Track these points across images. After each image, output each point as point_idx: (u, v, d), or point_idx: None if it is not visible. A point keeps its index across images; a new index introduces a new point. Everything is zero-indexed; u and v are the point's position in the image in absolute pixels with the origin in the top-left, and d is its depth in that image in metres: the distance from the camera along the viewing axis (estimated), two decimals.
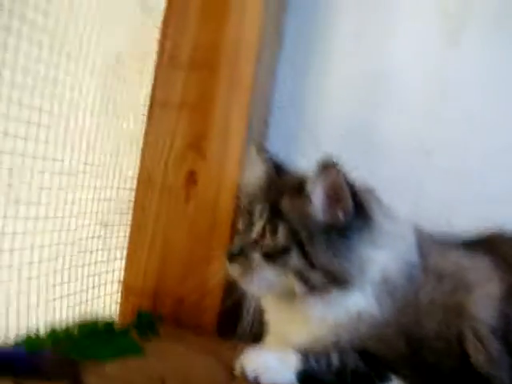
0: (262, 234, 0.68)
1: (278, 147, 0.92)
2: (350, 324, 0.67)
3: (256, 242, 0.68)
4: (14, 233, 0.75)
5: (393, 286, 0.68)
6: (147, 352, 0.72)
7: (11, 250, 0.74)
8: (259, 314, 0.75)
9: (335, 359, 0.67)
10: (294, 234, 0.66)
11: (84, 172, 0.87)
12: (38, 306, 0.80)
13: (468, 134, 0.94)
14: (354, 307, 0.67)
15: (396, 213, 0.73)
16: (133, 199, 0.90)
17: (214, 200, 0.86)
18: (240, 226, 0.72)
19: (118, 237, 0.93)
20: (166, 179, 0.88)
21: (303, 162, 0.85)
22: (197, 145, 0.86)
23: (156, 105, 0.88)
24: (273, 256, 0.66)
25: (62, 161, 0.82)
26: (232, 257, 0.69)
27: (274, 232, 0.67)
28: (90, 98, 0.86)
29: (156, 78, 0.89)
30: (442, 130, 0.95)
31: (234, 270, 0.69)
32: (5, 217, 0.74)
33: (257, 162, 0.75)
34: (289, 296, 0.68)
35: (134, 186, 0.90)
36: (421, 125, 0.96)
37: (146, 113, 0.89)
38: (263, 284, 0.68)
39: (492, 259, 0.72)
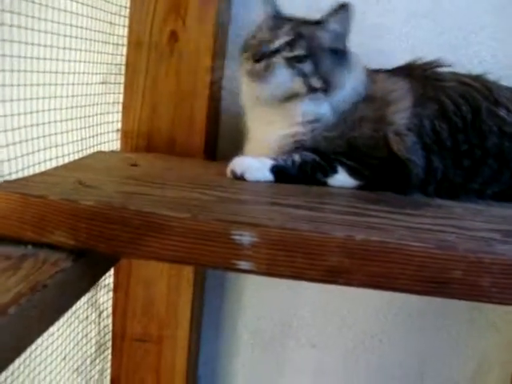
0: (284, 46, 0.87)
1: None
2: (312, 126, 0.90)
3: (277, 51, 0.87)
4: None
5: (348, 100, 0.91)
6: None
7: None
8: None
9: (297, 157, 0.89)
10: (310, 49, 0.88)
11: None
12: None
13: None
14: (322, 110, 0.91)
15: None
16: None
17: (194, 53, 1.05)
18: (257, 40, 0.90)
19: (114, 93, 1.12)
20: (151, 39, 1.05)
21: None
22: (177, 9, 1.04)
23: None
24: (291, 62, 0.87)
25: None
26: (259, 57, 0.87)
27: (294, 45, 0.88)
28: None
29: None
30: None
31: (259, 67, 0.87)
32: None
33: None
34: (286, 99, 0.90)
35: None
36: None
37: None
38: (276, 85, 0.88)
39: (407, 81, 0.95)
